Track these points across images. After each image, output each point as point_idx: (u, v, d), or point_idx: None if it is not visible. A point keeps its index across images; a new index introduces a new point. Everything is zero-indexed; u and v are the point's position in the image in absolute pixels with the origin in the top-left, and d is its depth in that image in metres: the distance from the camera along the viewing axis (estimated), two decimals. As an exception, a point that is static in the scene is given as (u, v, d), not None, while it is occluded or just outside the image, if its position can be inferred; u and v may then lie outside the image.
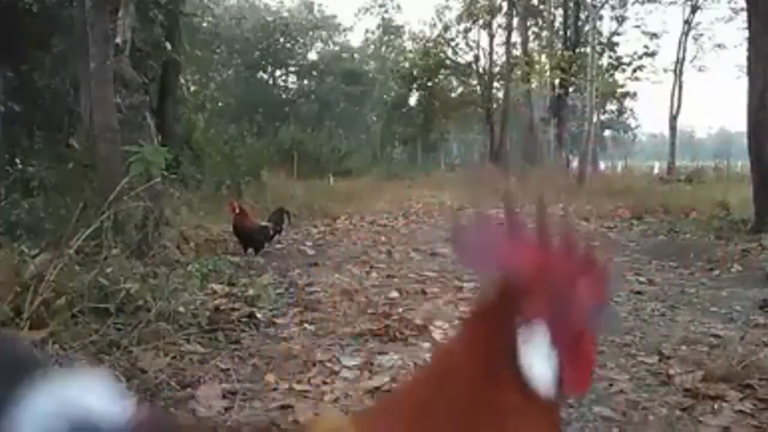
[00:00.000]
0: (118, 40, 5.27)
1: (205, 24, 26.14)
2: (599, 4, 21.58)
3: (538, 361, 0.61)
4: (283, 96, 36.63)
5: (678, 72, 23.11)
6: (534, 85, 24.91)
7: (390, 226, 8.21)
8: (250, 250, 5.57)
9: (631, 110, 35.02)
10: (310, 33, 37.54)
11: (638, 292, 4.23)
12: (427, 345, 2.99)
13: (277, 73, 37.09)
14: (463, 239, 0.65)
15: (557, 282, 0.61)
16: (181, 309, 3.06)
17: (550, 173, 17.23)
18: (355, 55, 39.41)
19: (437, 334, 3.12)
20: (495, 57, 28.87)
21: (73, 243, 2.96)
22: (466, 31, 29.10)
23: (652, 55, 23.45)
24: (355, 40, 47.46)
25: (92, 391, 0.61)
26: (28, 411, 0.58)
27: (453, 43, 29.34)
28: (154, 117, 6.64)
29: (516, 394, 0.60)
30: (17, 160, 6.21)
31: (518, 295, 0.61)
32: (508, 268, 0.62)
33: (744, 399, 2.30)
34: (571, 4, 23.64)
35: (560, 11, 24.97)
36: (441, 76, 30.17)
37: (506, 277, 0.62)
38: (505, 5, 27.10)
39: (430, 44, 29.35)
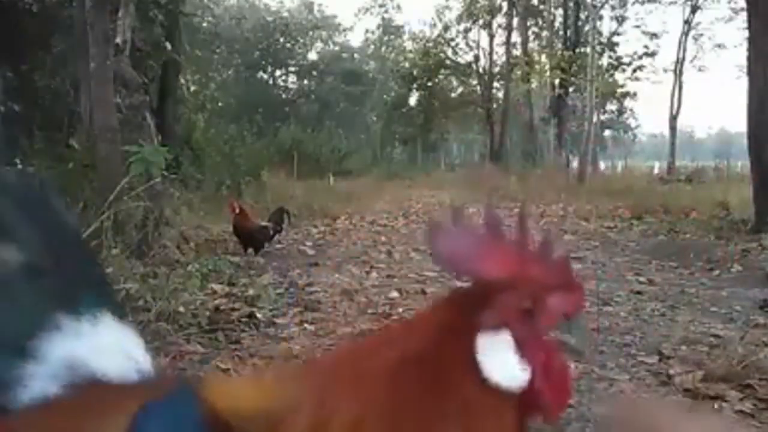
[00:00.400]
0: (118, 40, 5.28)
1: (205, 24, 26.17)
2: (599, 4, 21.59)
3: (500, 365, 0.59)
4: (283, 96, 36.66)
5: (678, 72, 23.13)
6: (534, 85, 24.93)
7: (390, 226, 8.21)
8: (250, 250, 5.57)
9: (631, 110, 35.02)
10: (310, 33, 37.56)
11: (638, 292, 4.22)
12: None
13: (277, 73, 37.13)
14: (440, 239, 0.64)
15: (529, 289, 0.60)
16: (181, 309, 3.06)
17: (550, 173, 17.23)
18: (355, 55, 39.43)
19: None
20: (495, 57, 28.93)
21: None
22: (466, 31, 29.14)
23: (652, 55, 23.52)
24: (355, 40, 47.55)
25: (113, 350, 0.61)
26: (49, 351, 0.58)
27: (453, 43, 29.38)
28: (154, 117, 6.64)
29: (470, 386, 0.58)
30: (17, 160, 6.21)
31: (486, 299, 0.60)
32: (482, 271, 0.61)
33: (744, 399, 2.30)
34: (571, 4, 23.66)
35: (560, 11, 24.99)
36: (441, 76, 30.18)
37: (479, 280, 0.62)
38: (505, 5, 27.12)
39: (430, 44, 29.36)
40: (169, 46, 9.35)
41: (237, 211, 5.68)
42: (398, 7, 33.49)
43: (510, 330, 0.59)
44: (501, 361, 0.59)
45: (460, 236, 0.63)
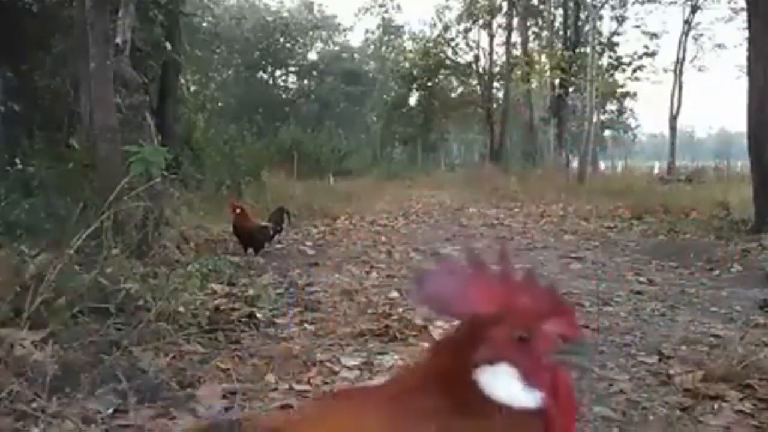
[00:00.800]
0: (118, 40, 5.27)
1: (205, 24, 26.17)
2: (599, 4, 21.59)
3: (506, 393, 0.60)
4: (283, 96, 36.65)
5: (678, 72, 23.12)
6: (534, 85, 24.92)
7: (390, 226, 8.21)
8: (250, 250, 5.57)
9: (631, 110, 34.94)
10: (310, 33, 37.55)
11: (638, 292, 4.22)
12: (427, 345, 2.99)
13: (277, 73, 37.11)
14: (425, 284, 0.65)
15: (520, 319, 0.62)
16: (181, 309, 3.05)
17: (550, 173, 17.24)
18: (355, 55, 39.41)
19: (437, 334, 3.12)
20: (495, 57, 28.91)
21: (73, 243, 2.95)
22: (466, 31, 29.12)
23: (652, 55, 23.49)
24: (355, 40, 47.46)
25: None
26: None
27: (453, 43, 29.36)
28: (154, 117, 6.64)
29: (491, 409, 0.59)
30: (17, 160, 6.21)
31: (480, 333, 0.61)
32: (471, 309, 0.63)
33: (744, 399, 2.30)
34: (571, 4, 23.66)
35: (560, 11, 24.98)
36: (441, 76, 30.17)
37: (469, 318, 0.63)
38: (505, 5, 27.11)
39: (430, 44, 29.35)
40: (169, 46, 9.35)
41: (237, 211, 5.68)
42: (398, 7, 33.49)
43: (507, 360, 0.60)
44: (506, 389, 0.60)
45: (444, 279, 0.65)
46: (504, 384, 0.60)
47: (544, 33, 26.27)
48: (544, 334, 0.62)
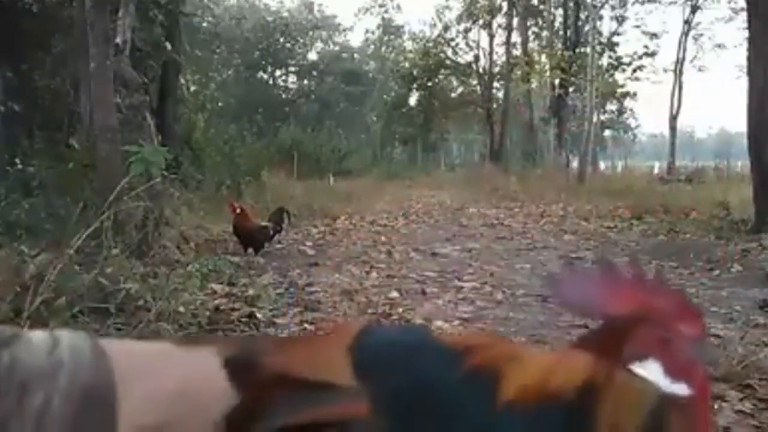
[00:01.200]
0: (118, 40, 5.28)
1: (205, 24, 26.19)
2: (599, 4, 21.60)
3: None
4: (283, 96, 36.68)
5: (678, 72, 23.15)
6: (534, 85, 24.93)
7: (390, 226, 8.20)
8: (250, 250, 5.57)
9: (631, 110, 34.97)
10: (310, 33, 37.59)
11: (638, 292, 4.22)
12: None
13: (277, 73, 37.14)
14: (561, 287, 0.72)
15: (660, 320, 0.66)
16: (181, 309, 3.05)
17: (550, 173, 17.24)
18: (355, 55, 39.44)
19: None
20: (495, 57, 28.90)
21: (73, 243, 2.95)
22: (466, 31, 29.12)
23: (652, 55, 23.52)
24: (355, 40, 47.58)
25: None
26: None
27: (453, 43, 29.35)
28: (154, 117, 6.64)
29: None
30: (17, 160, 6.21)
31: (625, 333, 0.66)
32: (610, 310, 0.67)
33: (744, 399, 2.30)
34: (571, 4, 23.67)
35: (560, 11, 25.00)
36: (441, 76, 30.17)
37: (610, 317, 0.67)
38: (505, 5, 27.11)
39: (430, 44, 29.35)
40: (169, 46, 9.35)
41: (237, 211, 5.68)
42: (398, 7, 33.58)
43: (654, 357, 0.65)
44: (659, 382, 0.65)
45: (581, 282, 0.71)
46: (653, 378, 0.65)
47: (544, 33, 26.28)
48: (681, 334, 0.66)
